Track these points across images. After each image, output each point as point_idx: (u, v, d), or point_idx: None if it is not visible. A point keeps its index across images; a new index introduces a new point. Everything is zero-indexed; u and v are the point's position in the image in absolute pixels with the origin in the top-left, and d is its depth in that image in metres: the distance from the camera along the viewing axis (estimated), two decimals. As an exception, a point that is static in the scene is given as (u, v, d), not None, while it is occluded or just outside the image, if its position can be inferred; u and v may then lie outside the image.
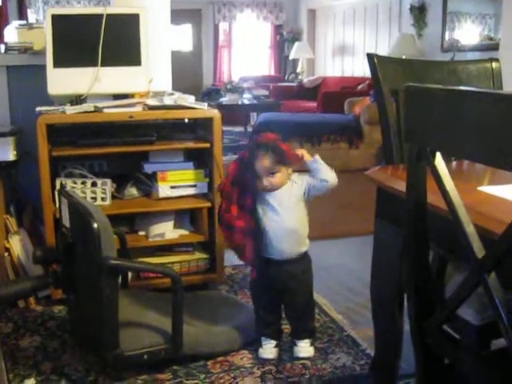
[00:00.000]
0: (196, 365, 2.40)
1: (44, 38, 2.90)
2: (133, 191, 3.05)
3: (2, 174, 2.98)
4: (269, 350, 2.46)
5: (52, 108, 2.80)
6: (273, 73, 11.12)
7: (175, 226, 3.05)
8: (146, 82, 2.96)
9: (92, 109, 2.78)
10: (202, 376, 2.33)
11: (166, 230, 3.00)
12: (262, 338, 2.47)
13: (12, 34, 3.43)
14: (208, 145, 2.95)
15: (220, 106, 7.44)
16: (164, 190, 2.97)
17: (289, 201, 2.33)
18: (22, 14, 7.95)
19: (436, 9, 6.83)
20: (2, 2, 6.88)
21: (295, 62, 10.58)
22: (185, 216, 3.14)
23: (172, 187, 2.98)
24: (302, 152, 2.33)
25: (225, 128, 7.44)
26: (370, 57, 2.10)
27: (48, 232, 2.79)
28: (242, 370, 2.37)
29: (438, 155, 1.27)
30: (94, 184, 2.92)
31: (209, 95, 8.56)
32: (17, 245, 2.95)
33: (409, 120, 1.37)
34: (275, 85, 9.88)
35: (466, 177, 1.94)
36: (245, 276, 3.25)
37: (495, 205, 1.49)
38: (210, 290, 3.06)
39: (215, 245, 3.01)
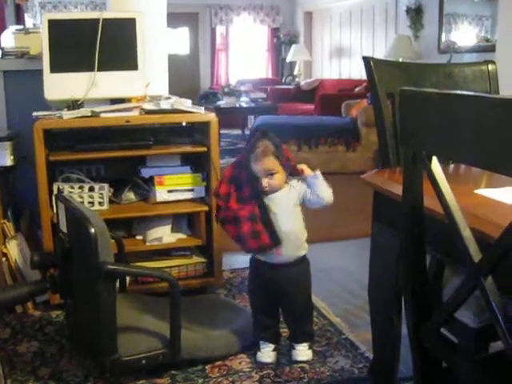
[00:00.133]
0: (194, 369, 2.39)
1: (40, 43, 2.90)
2: (130, 196, 3.05)
3: (0, 179, 2.98)
4: (267, 353, 2.45)
5: (49, 113, 2.80)
6: (270, 75, 11.13)
7: (173, 230, 3.04)
8: (142, 87, 2.96)
9: (89, 113, 2.78)
10: (200, 380, 2.32)
11: (164, 235, 3.00)
12: (260, 342, 2.47)
13: (9, 38, 3.43)
14: (205, 149, 2.95)
15: (217, 109, 7.45)
16: (161, 194, 2.97)
17: (287, 205, 2.33)
18: (19, 19, 7.92)
19: (432, 10, 6.84)
20: (-1, 7, 6.87)
21: (292, 64, 10.60)
22: (182, 220, 3.14)
23: (169, 191, 2.98)
24: (302, 167, 2.34)
25: (222, 131, 7.48)
26: (366, 60, 2.11)
27: (45, 237, 2.79)
28: (240, 374, 2.37)
29: (434, 159, 1.27)
30: (91, 189, 2.91)
31: (206, 98, 8.56)
32: (14, 250, 2.95)
33: (404, 124, 1.37)
34: (272, 87, 9.89)
35: (463, 180, 1.94)
36: (243, 280, 3.25)
37: (492, 208, 1.49)
38: (208, 294, 3.05)
39: (213, 249, 3.01)
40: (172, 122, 3.06)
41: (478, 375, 1.39)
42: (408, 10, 7.17)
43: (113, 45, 2.89)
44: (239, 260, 3.38)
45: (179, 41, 10.48)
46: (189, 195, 3.02)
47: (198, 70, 10.81)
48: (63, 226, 2.41)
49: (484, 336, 1.44)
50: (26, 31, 3.43)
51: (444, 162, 1.31)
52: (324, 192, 2.30)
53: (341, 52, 9.51)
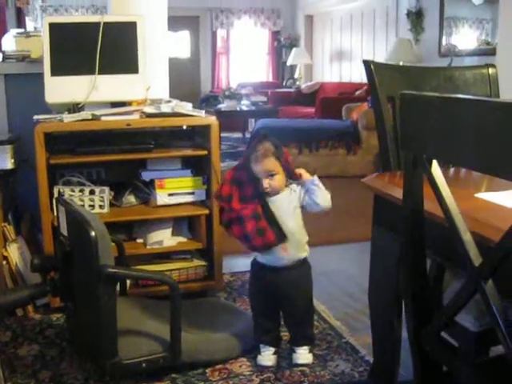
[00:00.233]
0: (194, 373, 2.39)
1: (41, 47, 2.90)
2: (131, 199, 3.05)
3: (0, 182, 2.98)
4: (267, 357, 2.45)
5: (50, 116, 2.80)
6: (271, 79, 11.14)
7: (173, 234, 3.04)
8: (143, 90, 2.96)
9: (90, 117, 2.78)
10: (201, 384, 2.33)
11: (164, 238, 2.99)
12: (261, 345, 2.46)
13: (10, 42, 3.44)
14: (206, 152, 2.95)
15: (218, 113, 7.46)
16: (162, 197, 2.97)
17: (288, 207, 2.33)
18: (20, 22, 7.94)
19: (433, 14, 6.85)
20: (0, 10, 6.88)
21: (293, 67, 10.60)
22: (183, 223, 3.14)
23: (170, 195, 2.98)
24: (301, 171, 2.34)
25: (223, 134, 7.49)
26: (367, 63, 2.11)
27: (46, 240, 2.79)
28: (240, 377, 2.37)
29: (435, 163, 1.28)
30: (92, 192, 2.91)
31: (207, 102, 8.58)
32: (15, 253, 2.95)
33: (405, 127, 1.37)
34: (273, 91, 9.89)
35: (464, 183, 1.94)
36: (243, 283, 3.25)
37: (492, 212, 1.49)
38: (209, 297, 3.05)
39: (213, 252, 3.01)
40: (173, 126, 3.06)
41: (479, 379, 1.39)
42: (409, 14, 7.17)
43: (114, 48, 2.90)
44: (239, 263, 3.38)
45: (180, 44, 10.49)
46: (189, 198, 3.02)
47: (199, 73, 10.82)
48: (64, 230, 2.41)
49: (484, 340, 1.44)
50: (27, 35, 3.43)
51: (444, 166, 1.31)
52: (321, 199, 2.30)
53: (341, 55, 9.51)
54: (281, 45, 10.89)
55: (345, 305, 3.07)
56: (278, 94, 9.79)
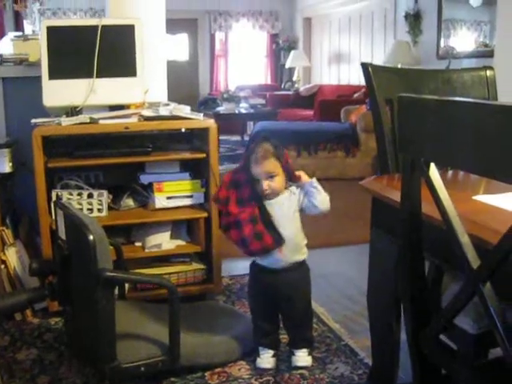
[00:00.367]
0: (193, 376, 2.39)
1: (39, 50, 2.90)
2: (129, 202, 3.05)
3: (-2, 186, 2.98)
4: (266, 359, 2.45)
5: (47, 120, 2.80)
6: (269, 81, 11.14)
7: (172, 237, 3.04)
8: (141, 93, 2.96)
9: (88, 120, 2.78)
10: (200, 387, 2.32)
11: (163, 241, 2.99)
12: (260, 348, 2.46)
13: (7, 45, 3.44)
14: (204, 155, 2.95)
15: (217, 115, 7.46)
16: (160, 200, 2.97)
17: (288, 210, 2.33)
18: (18, 25, 7.95)
19: (431, 16, 6.85)
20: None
21: (291, 70, 10.61)
22: (181, 226, 3.14)
23: (168, 198, 2.98)
24: (300, 173, 2.34)
25: (221, 137, 7.48)
26: (365, 66, 2.11)
27: (44, 244, 2.79)
28: (239, 380, 2.36)
29: (432, 166, 1.28)
30: (90, 195, 2.91)
31: (205, 104, 8.57)
32: (13, 257, 2.95)
33: (403, 130, 1.37)
34: (272, 93, 9.89)
35: (462, 186, 1.94)
36: (242, 286, 3.24)
37: (490, 214, 1.49)
38: (208, 300, 3.05)
39: (212, 255, 3.01)
40: (171, 129, 3.06)
41: (477, 381, 1.39)
42: (407, 16, 7.18)
43: (112, 51, 2.90)
44: (238, 266, 3.38)
45: (178, 47, 10.49)
46: (188, 201, 3.02)
47: (197, 76, 10.82)
48: (62, 233, 2.40)
49: (483, 342, 1.43)
50: (25, 38, 3.43)
51: (442, 169, 1.31)
52: (320, 202, 2.30)
53: (340, 58, 9.52)
54: (279, 47, 10.89)
55: (344, 307, 3.06)
56: (277, 97, 9.79)
